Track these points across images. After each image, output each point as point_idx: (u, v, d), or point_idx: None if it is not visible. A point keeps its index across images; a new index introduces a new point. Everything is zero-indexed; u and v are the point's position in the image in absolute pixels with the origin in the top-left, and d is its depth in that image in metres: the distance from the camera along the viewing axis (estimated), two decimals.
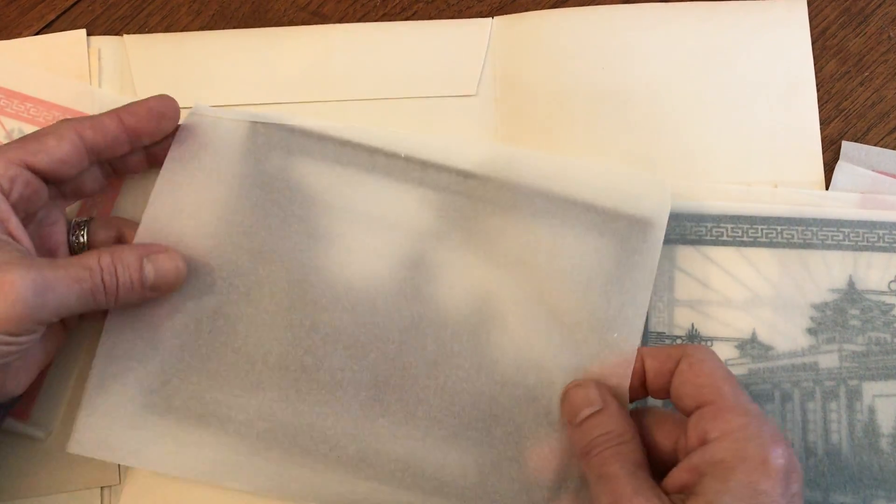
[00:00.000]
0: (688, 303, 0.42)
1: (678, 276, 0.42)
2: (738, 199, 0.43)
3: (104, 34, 0.47)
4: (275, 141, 0.42)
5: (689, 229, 0.42)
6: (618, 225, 0.40)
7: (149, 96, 0.40)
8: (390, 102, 0.45)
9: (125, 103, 0.40)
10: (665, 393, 0.36)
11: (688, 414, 0.34)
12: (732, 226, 0.42)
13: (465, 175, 0.42)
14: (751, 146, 0.44)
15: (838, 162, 0.43)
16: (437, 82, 0.45)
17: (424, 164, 0.42)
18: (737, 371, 0.41)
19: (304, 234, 0.41)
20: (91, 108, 0.44)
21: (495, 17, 0.46)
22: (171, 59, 0.46)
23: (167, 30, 0.47)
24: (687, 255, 0.42)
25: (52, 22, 0.47)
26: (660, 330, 0.42)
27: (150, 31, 0.47)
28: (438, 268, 0.41)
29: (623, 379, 0.37)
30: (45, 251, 0.39)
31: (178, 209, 0.41)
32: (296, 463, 0.39)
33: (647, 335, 0.42)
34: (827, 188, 0.43)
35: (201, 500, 0.41)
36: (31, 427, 0.41)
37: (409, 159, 0.42)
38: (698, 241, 0.42)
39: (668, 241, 0.42)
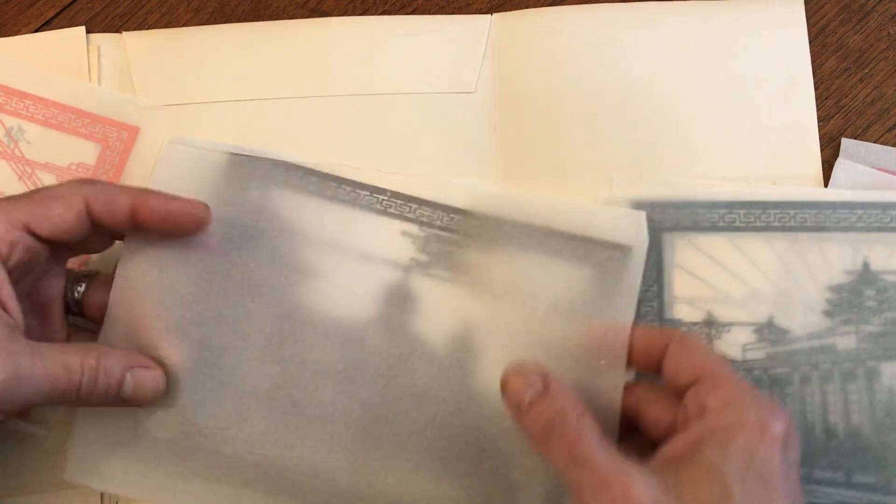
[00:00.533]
0: (703, 290, 0.42)
1: (693, 262, 0.42)
2: (738, 196, 0.43)
3: (103, 31, 0.47)
4: (256, 172, 0.42)
5: (702, 215, 0.42)
6: (598, 254, 0.41)
7: (188, 198, 0.38)
8: (389, 98, 0.45)
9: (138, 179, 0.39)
10: (650, 367, 0.36)
11: (683, 390, 0.34)
12: (745, 211, 0.42)
13: (449, 210, 0.42)
14: (749, 144, 0.44)
15: (838, 159, 0.43)
16: (436, 78, 0.45)
17: (409, 199, 0.43)
18: (755, 355, 0.41)
19: (293, 267, 0.41)
20: (90, 105, 0.45)
21: (494, 14, 0.46)
22: (170, 56, 0.46)
23: (166, 27, 0.47)
24: (702, 241, 0.42)
25: (52, 19, 0.47)
26: (677, 317, 0.42)
27: (149, 28, 0.47)
28: (424, 303, 0.41)
29: (620, 353, 0.38)
30: (38, 304, 0.38)
31: (162, 238, 0.40)
32: (287, 495, 0.39)
33: (663, 323, 0.42)
34: (826, 185, 0.43)
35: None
36: (31, 425, 0.42)
37: (394, 195, 0.42)
38: (712, 228, 0.42)
39: (682, 227, 0.42)
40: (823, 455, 0.40)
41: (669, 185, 0.43)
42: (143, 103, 0.45)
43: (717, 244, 0.42)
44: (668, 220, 0.42)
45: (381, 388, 0.40)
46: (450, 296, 0.41)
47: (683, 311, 0.42)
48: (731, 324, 0.42)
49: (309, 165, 0.43)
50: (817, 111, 0.44)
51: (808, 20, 0.45)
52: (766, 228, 0.42)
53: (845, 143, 0.43)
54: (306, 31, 0.46)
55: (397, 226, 0.42)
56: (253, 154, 0.43)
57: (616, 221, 0.42)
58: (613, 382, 0.38)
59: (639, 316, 0.41)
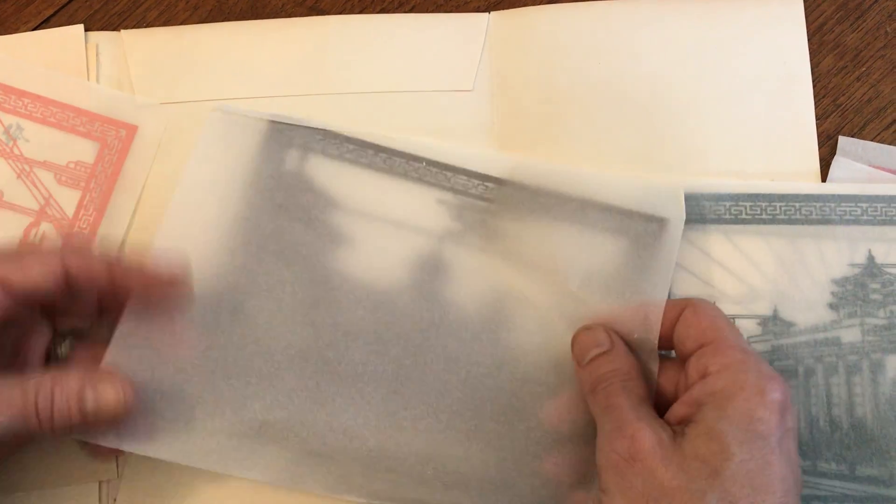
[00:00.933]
0: (709, 281, 0.42)
1: (698, 253, 0.42)
2: (743, 189, 0.43)
3: (102, 29, 0.47)
4: (294, 140, 0.43)
5: (708, 208, 0.42)
6: (635, 227, 0.41)
7: (164, 258, 0.39)
8: (387, 96, 0.45)
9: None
10: (669, 342, 0.37)
11: (688, 356, 0.35)
12: (751, 204, 0.42)
13: (485, 179, 0.43)
14: (747, 140, 0.44)
15: (835, 157, 0.43)
16: (433, 77, 0.45)
17: (445, 168, 0.43)
18: (760, 348, 0.42)
19: (328, 237, 0.42)
20: (89, 103, 0.45)
21: (492, 13, 0.46)
22: (169, 54, 0.46)
23: (165, 24, 0.47)
24: (708, 233, 0.42)
25: (50, 17, 0.47)
26: None
27: (147, 26, 0.47)
28: (457, 270, 0.42)
29: (653, 327, 0.38)
30: (19, 359, 0.37)
31: (201, 209, 0.42)
32: (314, 453, 0.40)
33: None
34: (823, 183, 0.43)
35: (199, 493, 0.41)
36: None
37: (430, 163, 0.43)
38: (718, 220, 0.42)
39: (688, 220, 0.42)
40: (827, 447, 0.40)
41: (675, 178, 0.43)
42: (142, 101, 0.45)
43: (722, 236, 0.42)
44: None
45: (413, 350, 0.40)
46: (483, 265, 0.42)
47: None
48: (735, 316, 0.42)
49: (346, 133, 0.43)
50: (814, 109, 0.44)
51: (805, 18, 0.45)
52: (772, 221, 0.42)
53: (842, 141, 0.44)
54: (304, 30, 0.46)
55: (433, 194, 0.43)
56: (292, 122, 0.43)
57: (653, 195, 0.42)
58: (646, 357, 0.38)
59: None
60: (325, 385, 0.40)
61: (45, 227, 0.43)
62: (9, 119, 0.44)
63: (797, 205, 0.42)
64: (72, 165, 0.44)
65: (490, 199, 0.43)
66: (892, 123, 0.44)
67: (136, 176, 0.44)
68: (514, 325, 0.41)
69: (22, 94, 0.44)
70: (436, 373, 0.40)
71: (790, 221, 0.42)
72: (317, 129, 0.44)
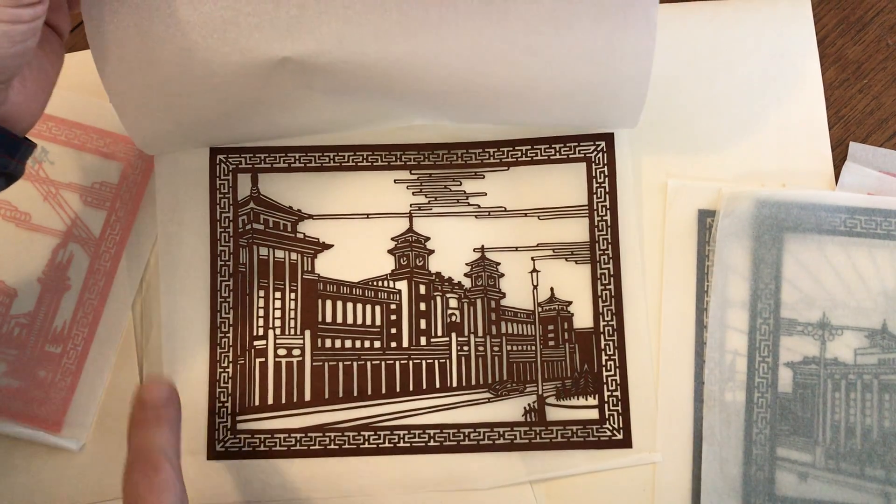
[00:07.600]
0: (819, 292, 0.43)
1: (811, 263, 0.43)
2: (861, 202, 0.43)
3: None
4: (241, 164, 0.45)
5: (824, 219, 0.43)
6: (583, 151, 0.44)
7: None
8: None
9: None
10: None
11: None
12: (866, 218, 0.43)
13: (434, 147, 0.45)
14: (759, 143, 0.45)
15: (846, 162, 0.44)
16: None
17: (392, 148, 0.45)
18: (867, 360, 0.42)
19: (303, 249, 0.45)
20: (112, 124, 0.45)
21: None
22: None
23: None
24: (822, 244, 0.43)
25: None
26: (792, 317, 0.43)
27: None
28: (435, 240, 0.45)
29: None
30: None
31: (183, 257, 0.44)
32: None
33: (778, 321, 0.43)
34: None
35: None
36: (63, 439, 0.43)
37: (376, 148, 0.45)
38: (832, 232, 0.43)
39: (804, 229, 0.43)
40: None
41: (793, 186, 0.44)
42: None
43: (836, 248, 0.43)
44: (791, 219, 0.43)
45: None
46: (458, 228, 0.44)
47: (799, 311, 0.43)
48: (844, 327, 0.42)
49: (287, 143, 0.45)
50: None
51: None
52: (887, 237, 0.43)
53: (853, 147, 0.45)
54: None
55: (389, 176, 0.44)
56: (231, 146, 0.45)
57: (593, 114, 0.43)
58: None
59: (755, 313, 0.42)
60: None
61: (73, 248, 0.44)
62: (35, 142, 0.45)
63: None
64: (97, 186, 0.45)
65: (445, 164, 0.44)
66: (893, 135, 0.45)
67: (161, 196, 0.45)
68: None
69: (46, 117, 0.45)
70: None
71: None
72: (258, 147, 0.45)
